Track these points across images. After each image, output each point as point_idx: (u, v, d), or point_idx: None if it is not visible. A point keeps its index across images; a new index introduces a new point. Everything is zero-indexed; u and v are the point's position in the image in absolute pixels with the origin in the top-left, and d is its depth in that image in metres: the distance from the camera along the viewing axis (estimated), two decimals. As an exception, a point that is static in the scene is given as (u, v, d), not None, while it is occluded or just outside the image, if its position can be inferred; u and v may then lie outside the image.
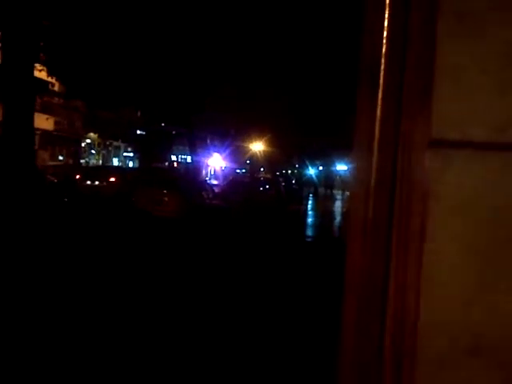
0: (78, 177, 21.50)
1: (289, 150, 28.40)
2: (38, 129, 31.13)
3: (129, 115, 31.45)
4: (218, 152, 34.33)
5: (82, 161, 34.75)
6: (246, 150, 31.03)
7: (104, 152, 37.61)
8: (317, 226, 18.12)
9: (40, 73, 24.34)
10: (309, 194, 35.06)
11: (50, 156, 32.25)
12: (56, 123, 33.08)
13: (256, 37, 14.63)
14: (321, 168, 41.10)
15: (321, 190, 38.37)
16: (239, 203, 18.49)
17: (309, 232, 16.33)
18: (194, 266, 8.30)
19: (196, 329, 5.23)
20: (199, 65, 15.84)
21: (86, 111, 30.21)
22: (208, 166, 36.45)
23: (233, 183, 26.69)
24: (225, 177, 33.14)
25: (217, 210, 17.12)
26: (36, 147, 31.72)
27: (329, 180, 41.21)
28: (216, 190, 26.16)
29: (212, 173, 37.85)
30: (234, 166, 37.69)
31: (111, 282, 6.79)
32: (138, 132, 33.68)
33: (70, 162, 32.60)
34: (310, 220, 19.75)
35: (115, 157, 38.71)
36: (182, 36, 14.87)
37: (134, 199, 16.60)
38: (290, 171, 41.40)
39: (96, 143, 36.23)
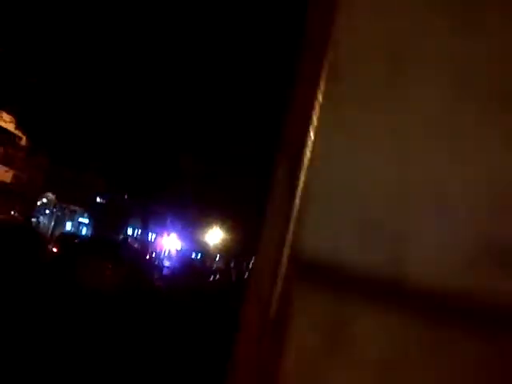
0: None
1: (248, 239, 28.03)
2: (-7, 179, 30.11)
3: (91, 181, 30.84)
4: (175, 232, 33.56)
5: (33, 219, 33.24)
6: (204, 235, 30.46)
7: (59, 214, 36.27)
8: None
9: (7, 124, 23.82)
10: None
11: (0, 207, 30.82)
12: (15, 177, 32.00)
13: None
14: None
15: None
16: (181, 290, 17.62)
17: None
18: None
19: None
20: (164, 139, 15.77)
21: (48, 170, 29.52)
22: (162, 245, 35.39)
23: (183, 268, 25.78)
24: (179, 260, 32.12)
25: (157, 292, 16.26)
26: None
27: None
28: (165, 271, 25.09)
29: (166, 253, 36.72)
30: (191, 249, 36.76)
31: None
32: (98, 200, 32.83)
33: (20, 218, 31.09)
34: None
35: (69, 221, 37.34)
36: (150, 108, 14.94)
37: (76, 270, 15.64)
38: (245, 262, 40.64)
39: (52, 204, 35.03)
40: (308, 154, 0.55)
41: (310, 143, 0.55)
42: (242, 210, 19.16)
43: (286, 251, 0.54)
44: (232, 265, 32.59)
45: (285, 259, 0.56)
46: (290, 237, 0.56)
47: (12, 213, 33.64)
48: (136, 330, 9.46)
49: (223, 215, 21.42)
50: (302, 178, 0.57)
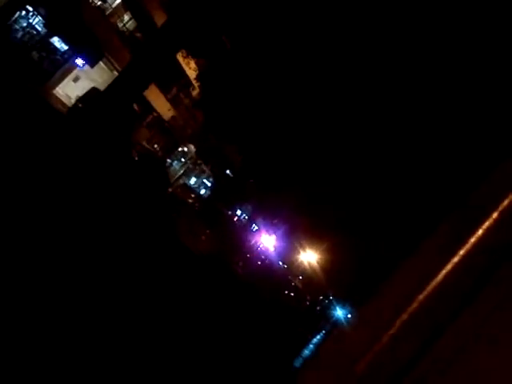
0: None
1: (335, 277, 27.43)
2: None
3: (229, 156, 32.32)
4: (276, 235, 33.95)
5: (168, 160, 35.91)
6: (299, 251, 30.55)
7: (190, 166, 38.75)
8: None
9: (190, 71, 25.61)
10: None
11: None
12: (173, 118, 34.74)
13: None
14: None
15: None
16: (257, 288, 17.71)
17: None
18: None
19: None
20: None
21: (201, 127, 31.46)
22: (259, 239, 35.89)
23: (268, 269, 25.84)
24: (268, 259, 32.35)
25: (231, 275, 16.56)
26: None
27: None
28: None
29: (260, 248, 37.23)
30: (279, 258, 36.95)
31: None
32: (228, 172, 34.48)
33: (159, 153, 33.75)
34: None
35: (196, 177, 39.79)
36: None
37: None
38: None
39: (189, 155, 37.57)
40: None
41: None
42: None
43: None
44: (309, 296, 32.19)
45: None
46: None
47: (155, 146, 36.67)
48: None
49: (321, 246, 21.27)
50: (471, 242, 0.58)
